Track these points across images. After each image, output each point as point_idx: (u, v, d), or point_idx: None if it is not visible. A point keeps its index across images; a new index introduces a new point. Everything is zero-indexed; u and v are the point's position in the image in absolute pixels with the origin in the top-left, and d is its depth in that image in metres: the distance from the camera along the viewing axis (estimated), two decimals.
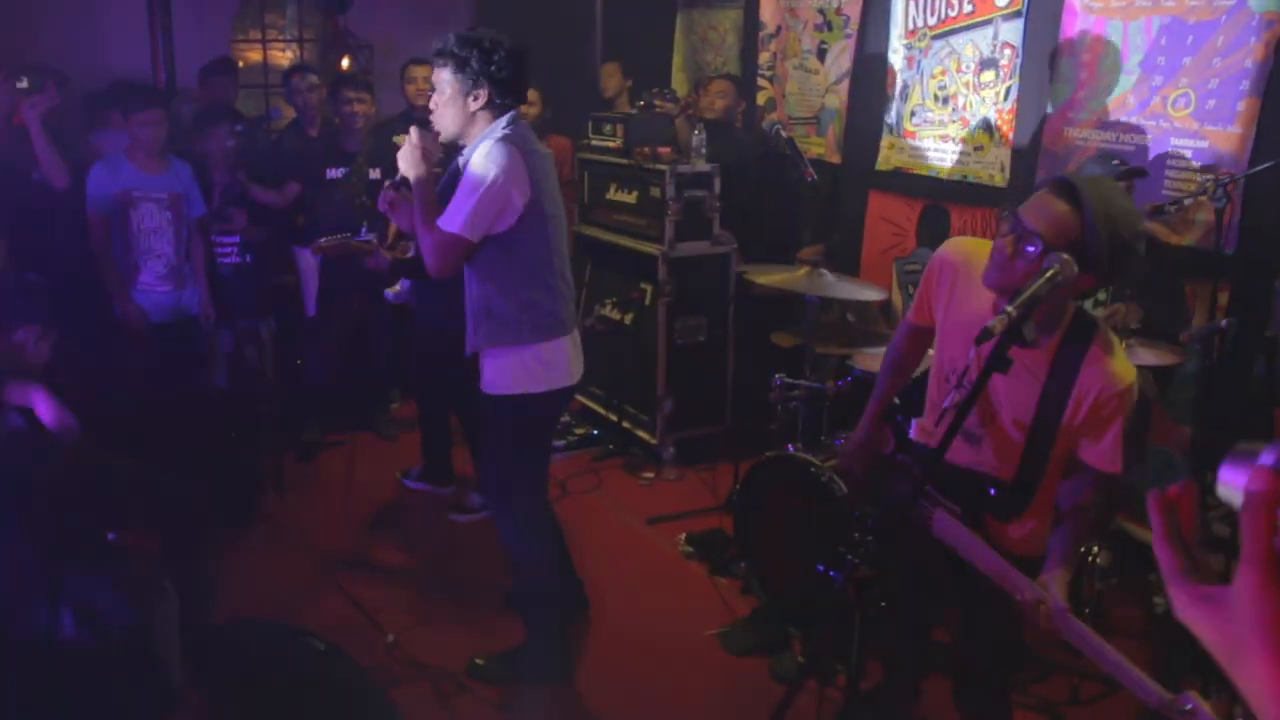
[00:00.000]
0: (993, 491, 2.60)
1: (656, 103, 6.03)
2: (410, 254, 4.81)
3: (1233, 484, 0.82)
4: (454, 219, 3.37)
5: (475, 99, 3.43)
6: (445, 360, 4.88)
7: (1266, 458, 0.80)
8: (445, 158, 3.83)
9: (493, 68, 3.40)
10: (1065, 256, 2.26)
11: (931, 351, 2.84)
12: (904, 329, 3.02)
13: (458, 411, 5.30)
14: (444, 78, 3.44)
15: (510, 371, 3.58)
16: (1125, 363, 2.53)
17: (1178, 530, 0.88)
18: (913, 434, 2.90)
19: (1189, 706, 2.09)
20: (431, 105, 3.51)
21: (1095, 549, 3.88)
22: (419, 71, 6.08)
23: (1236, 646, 0.79)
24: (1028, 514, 2.67)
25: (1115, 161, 4.34)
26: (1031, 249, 2.36)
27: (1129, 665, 2.34)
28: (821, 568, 2.33)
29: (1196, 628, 0.84)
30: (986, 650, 2.90)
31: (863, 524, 2.47)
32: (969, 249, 2.74)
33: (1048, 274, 2.23)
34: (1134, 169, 4.28)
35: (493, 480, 3.80)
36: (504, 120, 3.48)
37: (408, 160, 3.44)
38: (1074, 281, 2.33)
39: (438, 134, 3.51)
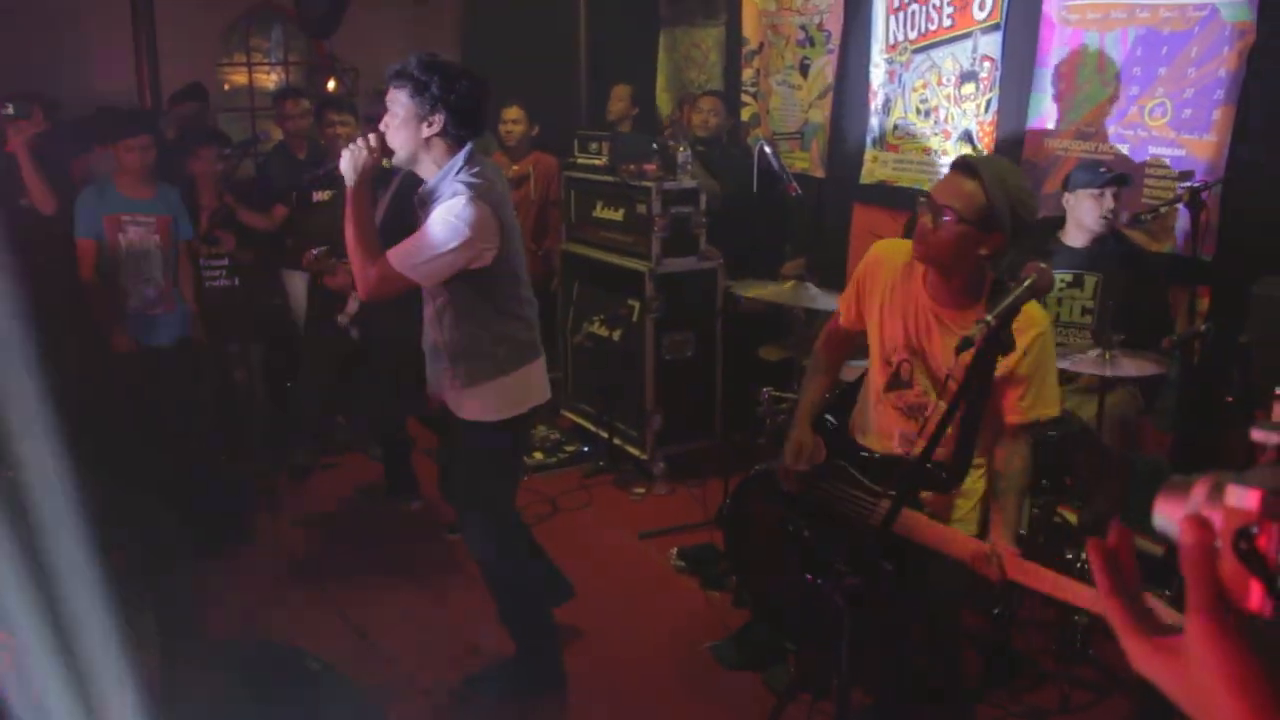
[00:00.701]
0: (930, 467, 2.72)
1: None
2: None
3: (1169, 518, 0.79)
4: (413, 264, 3.31)
5: (430, 125, 3.35)
6: (403, 375, 4.94)
7: (1196, 495, 0.77)
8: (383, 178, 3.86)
9: (453, 96, 3.33)
10: (1042, 265, 2.37)
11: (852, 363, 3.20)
12: (828, 334, 3.32)
13: (439, 431, 5.35)
14: (400, 99, 3.35)
15: (494, 401, 3.59)
16: (1039, 310, 2.87)
17: (1123, 580, 0.85)
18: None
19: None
20: (382, 126, 3.40)
21: (1085, 555, 3.90)
22: None
23: (1202, 697, 0.76)
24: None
25: (1102, 169, 4.39)
26: (947, 218, 2.74)
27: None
28: (810, 578, 2.37)
29: (1158, 680, 0.81)
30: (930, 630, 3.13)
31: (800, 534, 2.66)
32: (894, 246, 3.14)
33: (1026, 283, 2.31)
34: (1120, 175, 4.33)
35: (476, 503, 3.76)
36: (461, 157, 3.41)
37: (349, 162, 3.36)
38: (985, 241, 2.74)
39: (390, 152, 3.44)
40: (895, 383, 3.00)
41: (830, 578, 2.30)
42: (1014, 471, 2.89)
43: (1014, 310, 2.30)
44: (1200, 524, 0.75)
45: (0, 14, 6.79)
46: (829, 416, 3.27)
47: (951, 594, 3.07)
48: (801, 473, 3.20)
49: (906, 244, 3.02)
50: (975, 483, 3.00)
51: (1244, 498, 0.74)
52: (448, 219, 3.27)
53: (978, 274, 2.86)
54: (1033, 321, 2.78)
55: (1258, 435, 0.82)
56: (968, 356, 2.30)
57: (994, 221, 2.72)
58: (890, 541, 2.71)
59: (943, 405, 2.42)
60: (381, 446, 5.57)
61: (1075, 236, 4.40)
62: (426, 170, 3.45)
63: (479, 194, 3.30)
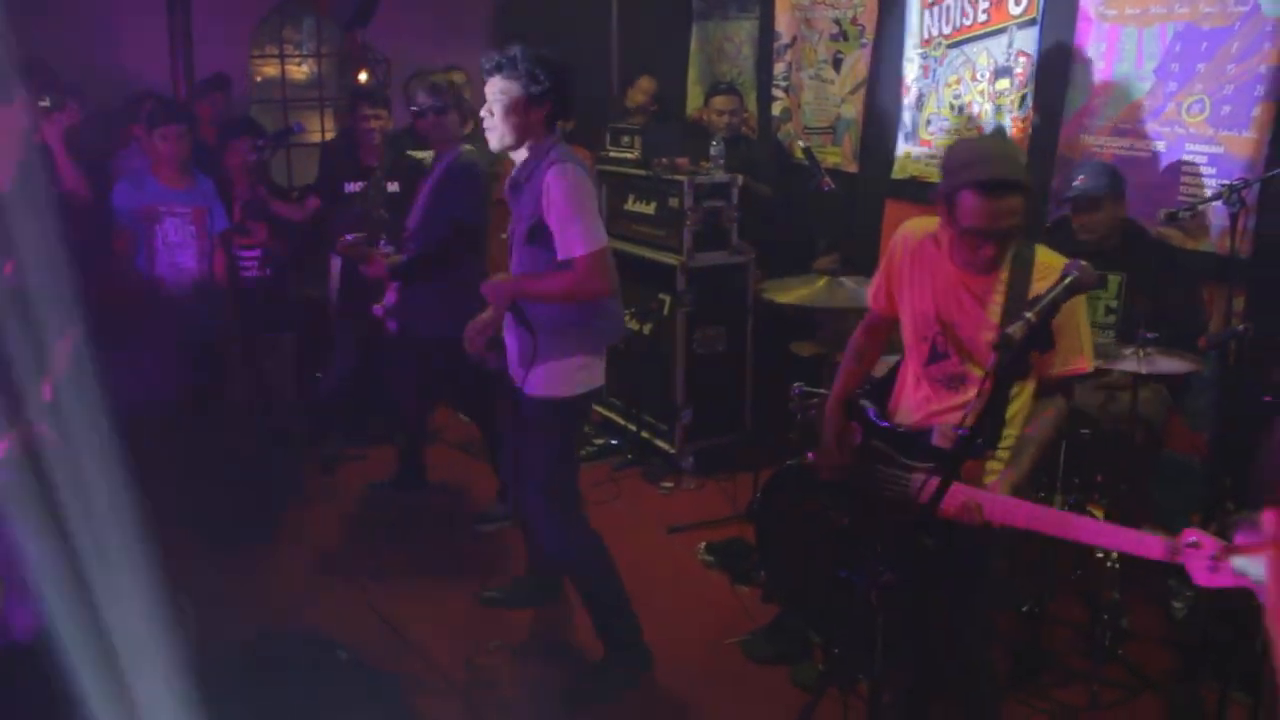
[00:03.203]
0: (962, 432, 2.69)
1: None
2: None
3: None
4: (576, 243, 3.52)
5: (534, 114, 3.60)
6: (443, 371, 4.99)
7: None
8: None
9: (561, 86, 3.61)
10: (1084, 263, 2.35)
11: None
12: (864, 325, 3.35)
13: (481, 424, 5.38)
14: (508, 89, 3.57)
15: (561, 376, 3.71)
16: (1062, 260, 2.79)
17: None
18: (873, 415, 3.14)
19: (1193, 540, 2.11)
20: (487, 113, 3.62)
21: (1115, 555, 3.89)
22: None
23: None
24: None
25: (1076, 181, 4.41)
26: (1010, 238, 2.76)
27: (1110, 527, 2.55)
28: (844, 573, 2.37)
29: None
30: (962, 622, 3.04)
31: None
32: (916, 224, 3.11)
33: (1067, 280, 2.31)
34: (1077, 198, 4.38)
35: (542, 484, 3.83)
36: (552, 141, 3.66)
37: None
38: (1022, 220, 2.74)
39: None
40: (934, 356, 2.99)
41: (865, 574, 2.29)
42: (1044, 419, 2.87)
43: (1054, 309, 2.29)
44: None
45: (35, 4, 6.83)
46: (864, 402, 3.23)
47: (992, 581, 3.07)
48: (838, 462, 3.19)
49: (928, 221, 3.04)
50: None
51: None
52: (562, 184, 3.52)
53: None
54: (1054, 268, 2.73)
55: None
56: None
57: (1030, 199, 2.78)
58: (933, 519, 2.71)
59: (984, 394, 2.42)
60: (404, 436, 5.58)
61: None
62: (520, 155, 3.69)
63: (574, 162, 3.59)
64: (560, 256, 3.55)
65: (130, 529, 3.74)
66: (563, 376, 3.71)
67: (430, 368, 5.15)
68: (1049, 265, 2.79)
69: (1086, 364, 2.86)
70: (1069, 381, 2.92)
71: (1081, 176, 4.42)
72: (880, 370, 3.59)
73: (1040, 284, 2.71)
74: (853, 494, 3.14)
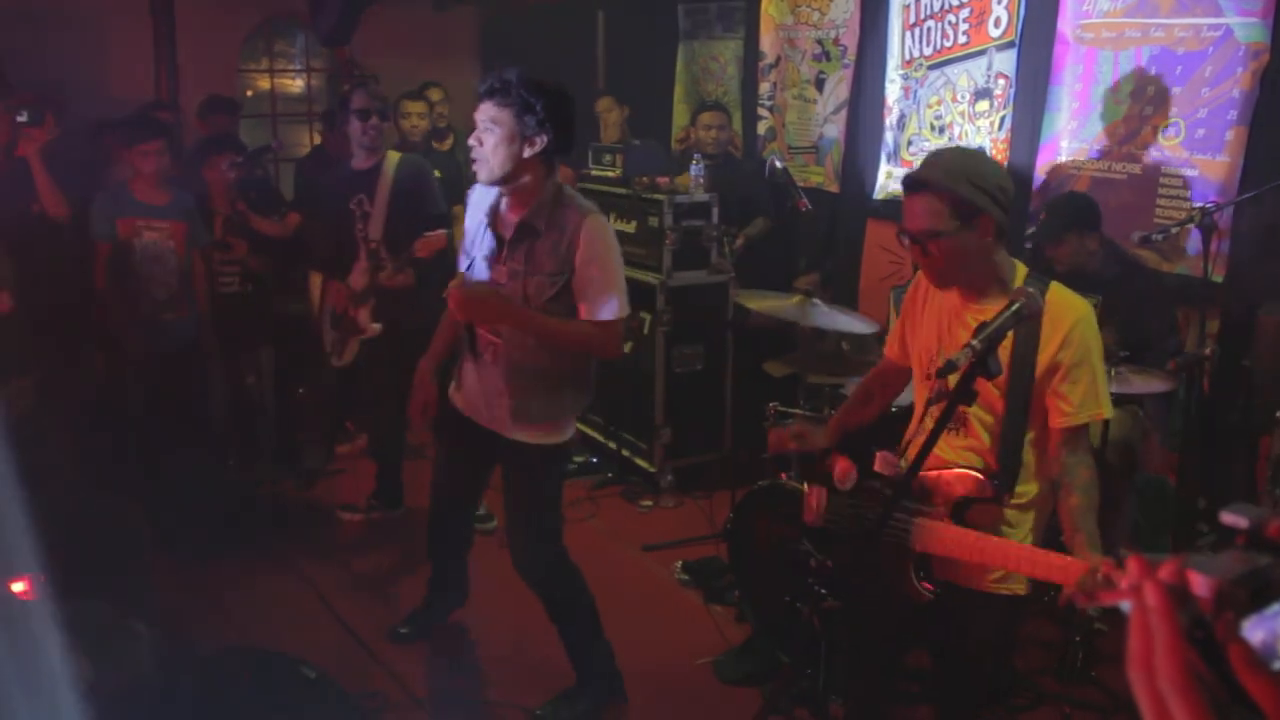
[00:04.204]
0: (985, 478, 2.61)
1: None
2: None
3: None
4: (611, 306, 3.36)
5: (532, 145, 3.28)
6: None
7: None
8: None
9: (560, 118, 3.30)
10: (1030, 290, 2.32)
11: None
12: (877, 367, 3.19)
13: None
14: (501, 117, 3.26)
15: (566, 424, 3.62)
16: (1076, 296, 2.65)
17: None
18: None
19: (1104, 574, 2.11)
20: (475, 142, 3.31)
21: None
22: (413, 107, 6.15)
23: None
24: (1020, 487, 2.71)
25: (1043, 217, 4.42)
26: (929, 242, 2.58)
27: (1032, 554, 2.44)
28: (789, 598, 2.36)
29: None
30: (960, 676, 2.92)
31: (811, 556, 2.52)
32: None
33: (1013, 308, 2.27)
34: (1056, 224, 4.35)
35: (535, 529, 3.69)
36: (557, 179, 3.42)
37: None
38: (974, 231, 2.56)
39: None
40: (938, 395, 2.84)
41: (808, 598, 2.28)
42: (1083, 484, 2.60)
43: (999, 336, 2.25)
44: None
45: (20, 18, 6.84)
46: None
47: (989, 641, 2.90)
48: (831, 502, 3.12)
49: None
50: (1024, 525, 2.80)
51: (1202, 585, 0.74)
52: (603, 240, 3.36)
53: (991, 262, 2.68)
54: (1070, 307, 2.60)
55: (1227, 519, 0.79)
56: (951, 380, 2.27)
57: (967, 210, 2.56)
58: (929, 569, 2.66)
59: (928, 424, 2.37)
60: (380, 452, 5.56)
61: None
62: (518, 189, 3.39)
63: (595, 210, 3.41)
64: (586, 316, 3.36)
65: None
66: (553, 423, 3.57)
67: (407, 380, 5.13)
68: (1067, 301, 2.63)
69: (1104, 411, 2.67)
70: (1087, 431, 2.70)
71: (1043, 214, 4.44)
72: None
73: (1048, 324, 2.56)
74: (833, 537, 3.06)
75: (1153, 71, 4.71)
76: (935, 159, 2.68)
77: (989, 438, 2.67)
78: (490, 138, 3.27)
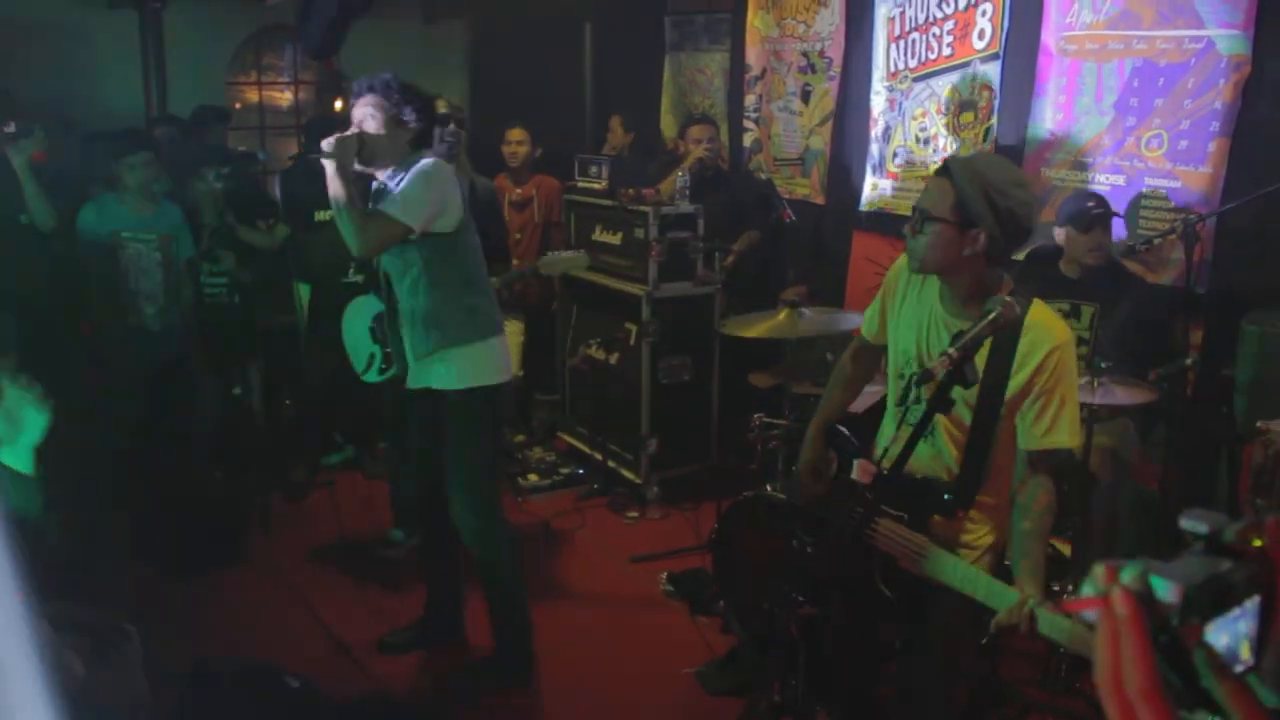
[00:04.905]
0: (946, 496, 2.66)
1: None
2: None
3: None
4: (400, 208, 3.61)
5: (406, 128, 3.75)
6: None
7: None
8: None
9: (423, 109, 3.82)
10: (1008, 299, 2.33)
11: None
12: (852, 349, 3.27)
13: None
14: (384, 107, 3.73)
15: (473, 364, 3.81)
16: (1059, 322, 2.71)
17: None
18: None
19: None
20: (354, 129, 3.70)
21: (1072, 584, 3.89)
22: None
23: None
24: (981, 497, 2.78)
25: (1090, 204, 4.37)
26: (925, 222, 2.69)
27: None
28: (767, 606, 2.37)
29: None
30: (926, 669, 2.96)
31: (801, 554, 2.56)
32: None
33: (990, 315, 2.28)
34: (1102, 214, 4.31)
35: (466, 477, 3.90)
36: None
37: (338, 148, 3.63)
38: (967, 239, 2.63)
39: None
40: (907, 397, 2.91)
41: (786, 606, 2.29)
42: (1039, 509, 2.64)
43: (976, 344, 2.27)
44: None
45: (9, 31, 6.84)
46: (842, 428, 3.19)
47: (955, 634, 2.96)
48: (813, 492, 3.17)
49: None
50: (982, 536, 2.86)
51: (1169, 591, 0.75)
52: (417, 170, 3.68)
53: (977, 277, 2.72)
54: (1050, 333, 2.62)
55: (1186, 525, 0.80)
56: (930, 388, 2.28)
57: (971, 217, 2.61)
58: (894, 570, 2.68)
59: (904, 434, 2.39)
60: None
61: (1071, 267, 4.39)
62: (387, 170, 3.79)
63: (439, 159, 3.78)
64: (385, 207, 3.67)
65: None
66: (472, 365, 3.82)
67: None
68: (1047, 325, 2.65)
69: (1070, 441, 2.68)
70: (1052, 457, 2.71)
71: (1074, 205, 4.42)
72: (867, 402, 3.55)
73: (1025, 344, 2.60)
74: (818, 524, 3.10)
75: (1136, 83, 4.73)
76: (975, 157, 2.90)
77: (955, 449, 2.70)
78: (370, 123, 3.73)
